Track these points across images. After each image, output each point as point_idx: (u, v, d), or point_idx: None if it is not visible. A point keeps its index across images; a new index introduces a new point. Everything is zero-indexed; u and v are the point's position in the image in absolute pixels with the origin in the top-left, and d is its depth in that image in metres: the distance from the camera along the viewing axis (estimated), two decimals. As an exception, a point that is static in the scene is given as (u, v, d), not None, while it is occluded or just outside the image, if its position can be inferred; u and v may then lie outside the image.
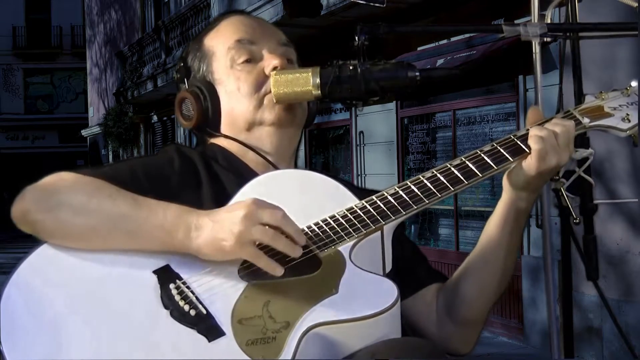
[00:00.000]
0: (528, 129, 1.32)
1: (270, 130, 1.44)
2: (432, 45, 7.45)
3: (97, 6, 21.25)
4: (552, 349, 2.21)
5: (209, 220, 1.17)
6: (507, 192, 1.35)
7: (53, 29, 29.50)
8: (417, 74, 1.29)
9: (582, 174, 1.43)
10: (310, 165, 10.18)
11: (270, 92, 1.40)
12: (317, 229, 1.25)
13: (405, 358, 1.09)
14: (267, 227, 1.15)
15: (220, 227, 1.15)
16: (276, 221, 1.15)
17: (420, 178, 1.31)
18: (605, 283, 5.34)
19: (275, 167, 1.43)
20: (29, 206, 1.22)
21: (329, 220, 1.26)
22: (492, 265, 1.38)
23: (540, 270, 2.08)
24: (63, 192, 1.22)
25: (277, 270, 1.15)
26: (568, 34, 2.06)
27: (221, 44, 1.48)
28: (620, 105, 1.41)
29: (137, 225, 1.18)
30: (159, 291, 1.16)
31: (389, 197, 1.29)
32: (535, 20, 2.08)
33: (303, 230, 1.23)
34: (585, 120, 1.38)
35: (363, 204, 1.28)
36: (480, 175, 1.30)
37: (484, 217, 7.30)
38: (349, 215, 1.27)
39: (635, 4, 1.89)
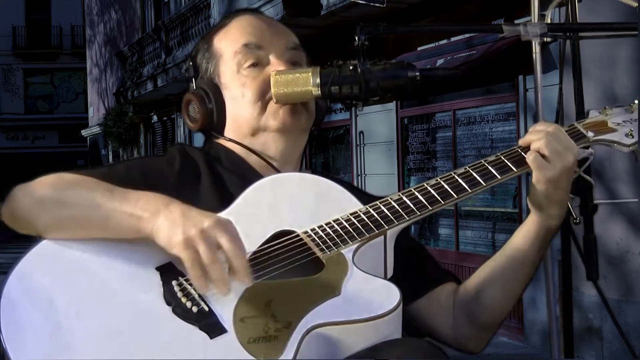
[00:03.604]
0: None
1: (275, 136, 1.44)
2: (432, 45, 7.45)
3: (97, 6, 21.24)
4: (552, 349, 2.21)
5: (180, 210, 1.15)
6: (536, 214, 1.34)
7: (53, 29, 29.49)
8: (417, 74, 1.30)
9: (582, 174, 1.43)
10: (310, 165, 10.18)
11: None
12: (320, 232, 1.26)
13: (406, 358, 1.09)
14: (217, 248, 1.11)
15: (184, 221, 1.12)
16: (227, 249, 1.11)
17: (424, 185, 1.32)
18: (605, 283, 5.34)
19: (279, 171, 1.42)
20: (14, 204, 1.26)
21: (333, 223, 1.27)
22: (519, 276, 1.39)
23: (540, 270, 2.08)
24: (44, 188, 1.26)
25: (204, 289, 1.12)
26: (568, 34, 2.06)
27: (229, 47, 1.47)
28: (624, 121, 1.42)
29: (109, 213, 1.18)
30: (162, 288, 1.16)
31: (393, 203, 1.30)
32: (535, 20, 2.08)
33: (306, 232, 1.25)
34: (590, 134, 1.39)
35: (367, 208, 1.29)
36: (484, 184, 1.31)
37: (483, 217, 7.30)
38: (352, 219, 1.27)
39: (635, 4, 1.90)
